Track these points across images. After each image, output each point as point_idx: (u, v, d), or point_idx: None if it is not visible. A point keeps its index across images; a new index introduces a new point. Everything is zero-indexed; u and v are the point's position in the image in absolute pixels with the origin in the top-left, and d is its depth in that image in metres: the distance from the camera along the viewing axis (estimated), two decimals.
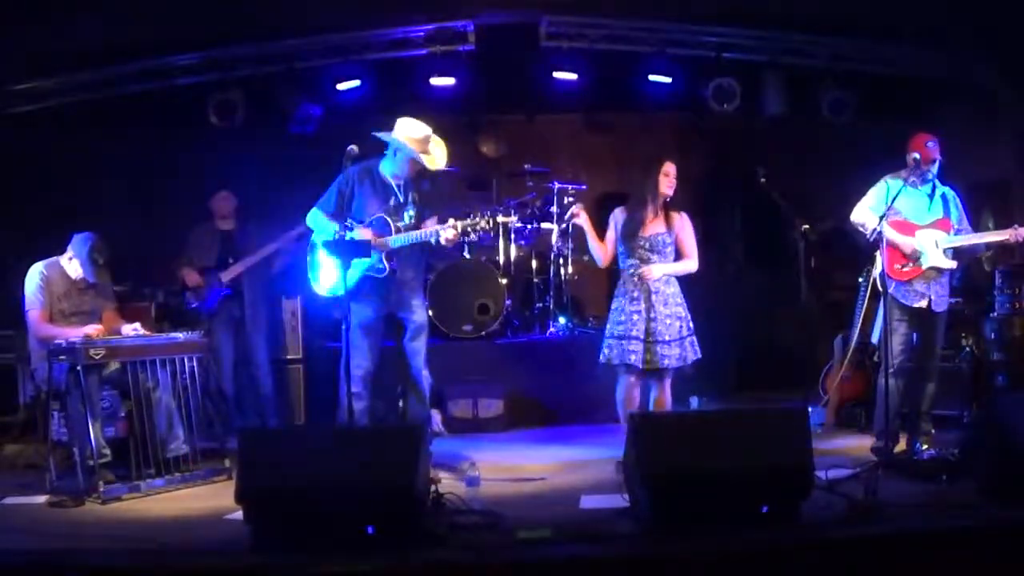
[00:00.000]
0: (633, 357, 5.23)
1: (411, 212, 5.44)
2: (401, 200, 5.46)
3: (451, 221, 5.30)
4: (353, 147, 5.20)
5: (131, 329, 5.56)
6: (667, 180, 5.37)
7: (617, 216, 5.46)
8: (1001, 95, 7.37)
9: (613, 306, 5.42)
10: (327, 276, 5.52)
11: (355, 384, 5.24)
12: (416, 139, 5.42)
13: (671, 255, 5.41)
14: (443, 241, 5.33)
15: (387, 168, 5.47)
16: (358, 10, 7.32)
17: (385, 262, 5.36)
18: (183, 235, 7.12)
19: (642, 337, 5.26)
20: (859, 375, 6.57)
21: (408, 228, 5.41)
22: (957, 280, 6.97)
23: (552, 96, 8.43)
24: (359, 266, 5.33)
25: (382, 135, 5.42)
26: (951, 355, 6.35)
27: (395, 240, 5.36)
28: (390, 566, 3.75)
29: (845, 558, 3.78)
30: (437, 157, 5.50)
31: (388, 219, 5.39)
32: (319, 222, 5.51)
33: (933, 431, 5.53)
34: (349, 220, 5.30)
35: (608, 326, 5.41)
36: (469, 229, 5.34)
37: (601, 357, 5.39)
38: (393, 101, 7.39)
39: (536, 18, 7.41)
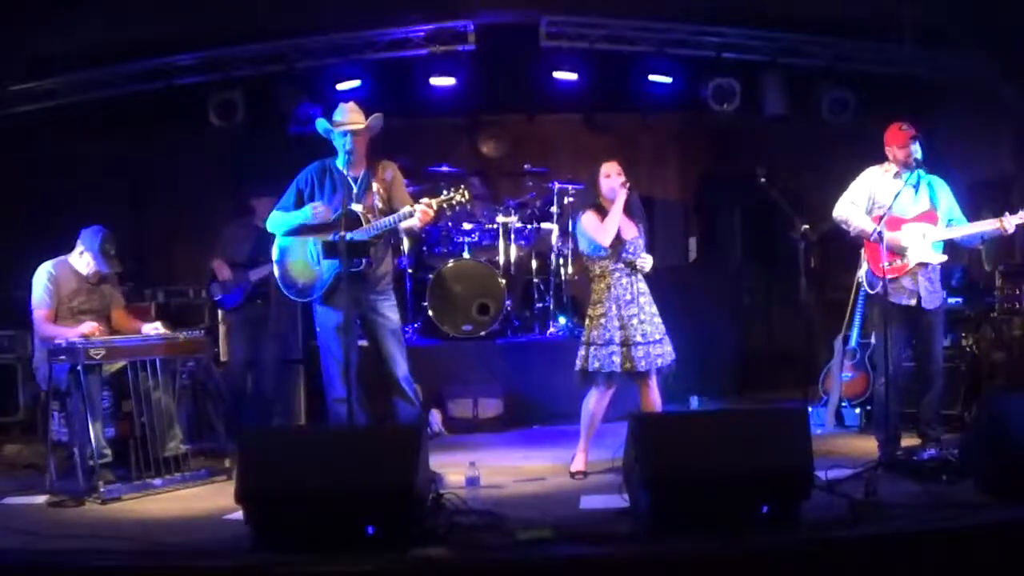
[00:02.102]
0: (643, 363, 5.21)
1: (379, 203, 5.25)
2: (362, 191, 5.27)
3: (424, 200, 5.07)
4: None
5: (152, 328, 5.55)
6: (609, 181, 5.35)
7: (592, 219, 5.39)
8: (1001, 95, 7.37)
9: (597, 312, 5.28)
10: (298, 278, 5.38)
11: (337, 389, 5.16)
12: (341, 121, 5.26)
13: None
14: (418, 223, 5.10)
15: (342, 162, 5.28)
16: (358, 10, 7.33)
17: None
18: (218, 227, 7.11)
19: (641, 340, 5.25)
20: (860, 375, 6.57)
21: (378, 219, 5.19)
22: (957, 280, 6.97)
23: (552, 96, 8.43)
24: (331, 264, 5.19)
25: (321, 130, 5.30)
26: (951, 355, 6.34)
27: (365, 230, 5.12)
28: (390, 566, 3.75)
29: (845, 558, 3.77)
30: (353, 118, 5.25)
31: (359, 212, 5.18)
32: (283, 220, 5.34)
33: (943, 437, 5.39)
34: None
35: (593, 332, 5.27)
36: (444, 205, 5.12)
37: (580, 365, 5.27)
38: (393, 101, 7.39)
39: (536, 18, 7.41)
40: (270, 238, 6.76)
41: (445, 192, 5.17)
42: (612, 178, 5.34)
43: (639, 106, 8.71)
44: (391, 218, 5.16)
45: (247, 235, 6.95)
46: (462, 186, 5.21)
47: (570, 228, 7.86)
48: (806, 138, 8.48)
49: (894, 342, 5.31)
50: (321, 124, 5.28)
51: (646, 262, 5.35)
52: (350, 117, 5.26)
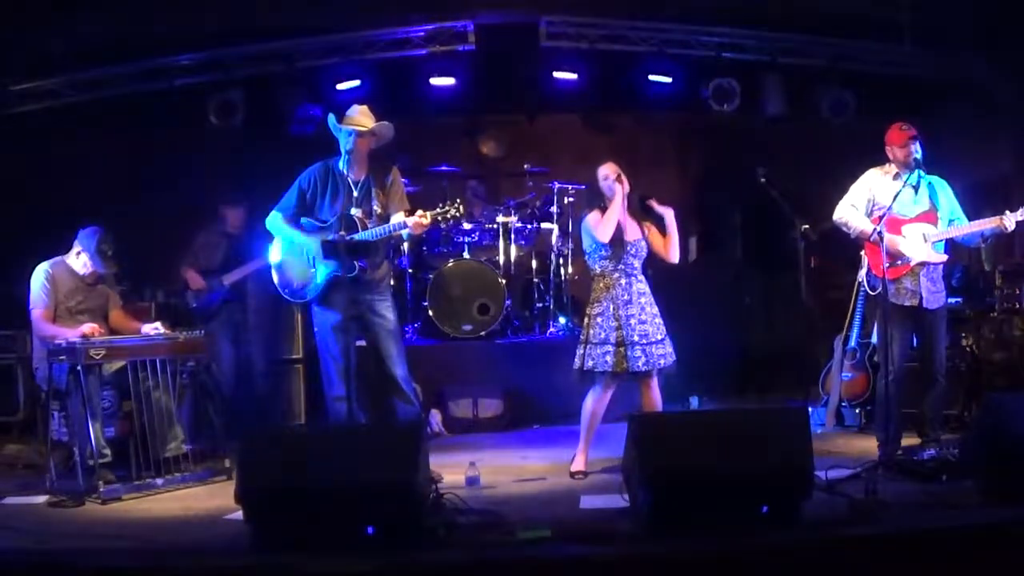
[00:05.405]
0: (641, 362, 5.21)
1: (377, 208, 5.27)
2: (362, 195, 5.29)
3: (420, 211, 5.12)
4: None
5: (151, 328, 5.56)
6: (606, 182, 5.37)
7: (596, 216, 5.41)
8: (1001, 95, 7.37)
9: (595, 311, 5.31)
10: (295, 279, 5.39)
11: (336, 388, 5.20)
12: (349, 118, 5.29)
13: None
14: (412, 232, 5.21)
15: (344, 164, 5.29)
16: (358, 10, 7.34)
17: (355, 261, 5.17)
18: (191, 234, 7.11)
19: (639, 341, 5.25)
20: (860, 375, 6.57)
21: (376, 224, 5.23)
22: (957, 280, 6.96)
23: (552, 96, 8.44)
24: (327, 266, 5.21)
25: (330, 126, 5.31)
26: (951, 355, 6.33)
27: (362, 235, 5.16)
28: (390, 566, 3.75)
29: (845, 558, 3.77)
30: (361, 120, 5.28)
31: (355, 216, 5.21)
32: (282, 227, 5.36)
33: (943, 437, 5.39)
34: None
35: (590, 332, 5.30)
36: (439, 218, 5.17)
37: (577, 364, 5.29)
38: (393, 101, 7.40)
39: (536, 18, 7.42)
40: (243, 243, 6.80)
41: (440, 205, 5.20)
42: (609, 178, 5.37)
43: (639, 106, 8.71)
44: (386, 227, 5.21)
45: (219, 242, 6.99)
46: (457, 200, 5.24)
47: (571, 229, 7.89)
48: (806, 138, 8.47)
49: (896, 342, 5.31)
50: (331, 119, 5.31)
51: (636, 269, 5.34)
52: (358, 118, 5.30)
